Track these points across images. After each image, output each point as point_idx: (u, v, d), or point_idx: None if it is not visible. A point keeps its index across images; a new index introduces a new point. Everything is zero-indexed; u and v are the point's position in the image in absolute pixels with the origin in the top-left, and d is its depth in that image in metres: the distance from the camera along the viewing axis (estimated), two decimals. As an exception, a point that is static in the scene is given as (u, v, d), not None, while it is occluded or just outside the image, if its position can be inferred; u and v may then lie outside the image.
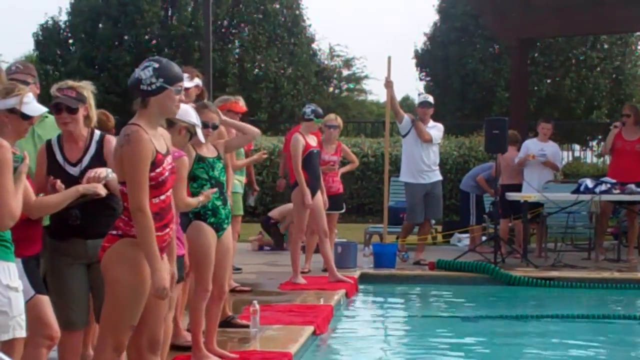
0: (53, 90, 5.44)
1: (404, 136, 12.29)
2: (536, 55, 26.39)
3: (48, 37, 27.85)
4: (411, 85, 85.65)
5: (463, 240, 14.46)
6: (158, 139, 4.83)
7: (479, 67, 27.07)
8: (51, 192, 5.20)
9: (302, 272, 10.70)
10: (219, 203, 6.53)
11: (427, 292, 11.24)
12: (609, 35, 26.38)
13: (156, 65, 4.78)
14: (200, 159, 6.48)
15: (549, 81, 27.75)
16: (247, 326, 7.64)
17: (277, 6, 28.76)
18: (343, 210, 11.78)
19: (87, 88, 5.48)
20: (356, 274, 11.10)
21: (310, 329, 7.84)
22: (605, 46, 27.77)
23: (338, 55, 39.49)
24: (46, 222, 5.38)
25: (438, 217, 12.86)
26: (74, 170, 5.37)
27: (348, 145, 14.85)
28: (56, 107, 5.39)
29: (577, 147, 27.10)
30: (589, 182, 12.16)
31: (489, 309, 9.87)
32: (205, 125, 6.42)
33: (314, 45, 31.27)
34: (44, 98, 5.63)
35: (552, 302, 10.55)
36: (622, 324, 9.28)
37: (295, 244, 10.46)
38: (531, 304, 10.46)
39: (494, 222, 12.64)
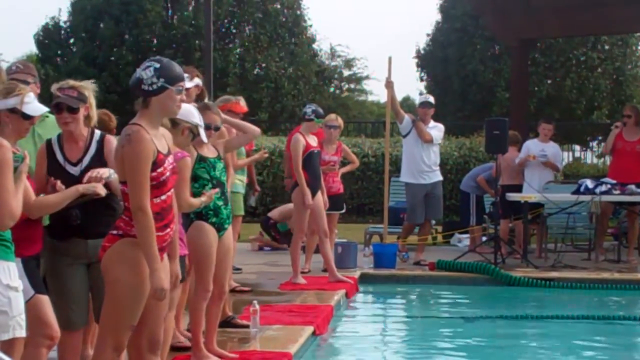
0: (54, 89, 5.44)
1: (404, 136, 12.29)
2: (537, 55, 26.39)
3: (49, 39, 27.86)
4: (412, 85, 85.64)
5: (463, 240, 14.46)
6: (159, 139, 4.84)
7: (479, 68, 27.08)
8: (51, 193, 5.21)
9: (302, 272, 10.70)
10: (220, 203, 6.54)
11: (427, 293, 11.24)
12: (610, 36, 26.39)
13: (157, 65, 4.78)
14: (201, 159, 6.48)
15: (549, 82, 27.76)
16: (247, 326, 7.65)
17: (278, 6, 28.77)
18: (343, 211, 11.78)
19: (88, 88, 5.48)
20: (356, 274, 11.10)
21: (310, 329, 7.84)
22: (606, 47, 27.78)
23: (339, 56, 39.52)
24: (46, 222, 5.38)
25: (438, 217, 12.86)
26: (74, 170, 5.37)
27: (348, 146, 14.85)
28: (57, 107, 5.39)
29: (577, 147, 27.11)
30: (589, 183, 12.16)
31: (489, 309, 9.87)
32: (207, 127, 6.43)
33: (314, 46, 31.28)
34: (44, 98, 5.63)
35: (552, 303, 10.55)
36: (622, 325, 9.28)
37: (295, 244, 10.46)
38: (531, 304, 10.46)
39: (494, 222, 12.64)
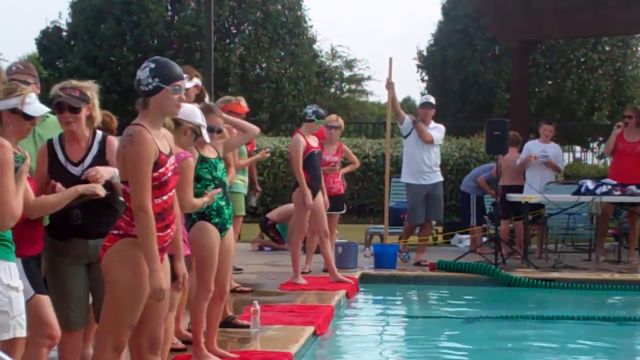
0: (56, 89, 5.44)
1: (405, 137, 12.30)
2: (537, 56, 26.39)
3: (50, 41, 27.88)
4: (412, 86, 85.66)
5: (464, 241, 14.46)
6: (161, 140, 4.84)
7: (480, 69, 27.08)
8: (51, 194, 5.21)
9: (303, 273, 10.70)
10: (223, 203, 6.55)
11: (427, 293, 11.24)
12: (610, 37, 26.37)
13: (153, 65, 4.79)
14: (203, 160, 6.49)
15: (550, 83, 27.77)
16: (247, 326, 7.65)
17: (279, 7, 28.78)
18: (344, 211, 11.78)
19: (91, 88, 5.47)
20: (357, 274, 11.10)
21: (310, 329, 7.84)
22: (607, 48, 27.78)
23: (339, 56, 39.52)
24: (46, 222, 5.38)
25: (439, 218, 12.86)
26: (76, 170, 5.37)
27: (349, 146, 14.85)
28: (58, 106, 5.39)
29: (577, 148, 27.12)
30: (590, 184, 12.16)
31: (489, 310, 9.87)
32: (210, 130, 6.44)
33: (315, 46, 31.28)
34: (44, 98, 5.63)
35: (552, 304, 10.56)
36: (622, 326, 9.28)
37: (296, 245, 10.46)
38: (531, 305, 10.46)
39: (494, 223, 12.64)
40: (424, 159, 12.08)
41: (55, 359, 5.56)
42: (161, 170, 4.74)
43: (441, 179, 12.36)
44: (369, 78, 42.17)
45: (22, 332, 4.67)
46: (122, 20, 26.98)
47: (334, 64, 38.71)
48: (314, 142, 10.36)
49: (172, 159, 4.87)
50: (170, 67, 4.82)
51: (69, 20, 28.29)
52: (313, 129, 10.41)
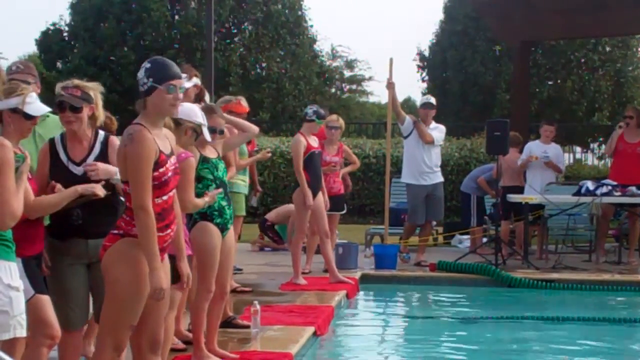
0: (58, 88, 5.43)
1: (405, 137, 12.29)
2: (538, 57, 26.39)
3: (51, 42, 27.88)
4: (413, 87, 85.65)
5: (464, 241, 14.46)
6: (162, 140, 4.84)
7: (480, 70, 27.08)
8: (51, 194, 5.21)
9: (303, 273, 10.70)
10: (224, 203, 6.55)
11: (427, 294, 11.24)
12: (611, 38, 26.36)
13: (148, 65, 4.80)
14: (204, 160, 6.49)
15: (550, 83, 27.76)
16: (247, 327, 7.65)
17: (280, 7, 28.77)
18: (344, 211, 11.78)
19: (95, 88, 5.46)
20: (357, 274, 11.10)
21: (311, 329, 7.84)
22: (607, 49, 27.77)
23: (340, 56, 39.55)
24: (47, 221, 5.38)
25: (439, 218, 12.86)
26: (77, 170, 5.36)
27: (350, 147, 14.84)
28: (60, 106, 5.39)
29: (578, 149, 27.10)
30: (590, 184, 12.17)
31: (489, 310, 9.86)
32: (212, 131, 6.45)
33: (315, 46, 31.28)
34: (44, 98, 5.62)
35: (552, 304, 10.56)
36: (622, 327, 9.28)
37: (296, 245, 10.46)
38: (532, 305, 10.45)
39: (494, 223, 12.64)
40: (425, 160, 12.08)
41: (56, 358, 5.56)
42: (161, 170, 4.74)
43: (442, 179, 12.36)
44: (370, 79, 42.27)
45: (22, 332, 4.67)
46: (122, 19, 26.97)
47: (335, 64, 38.76)
48: (314, 142, 10.36)
49: (172, 159, 4.87)
50: (165, 66, 4.80)
51: (69, 20, 28.28)
52: (314, 129, 10.40)
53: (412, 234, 12.56)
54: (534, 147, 13.05)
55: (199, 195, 6.25)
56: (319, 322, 8.12)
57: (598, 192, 11.97)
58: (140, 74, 4.77)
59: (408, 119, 12.17)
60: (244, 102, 9.21)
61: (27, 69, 6.03)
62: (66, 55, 27.80)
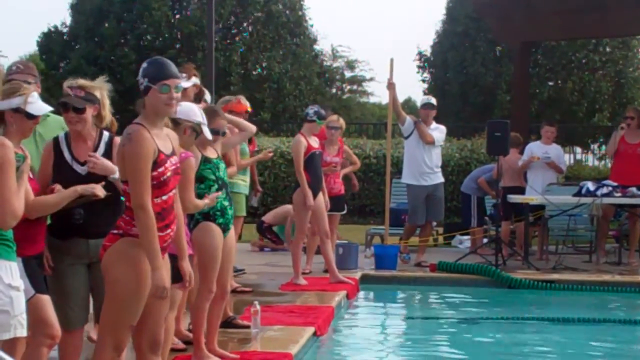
0: (64, 87, 5.43)
1: (406, 138, 12.29)
2: (538, 57, 26.39)
3: (52, 43, 27.88)
4: (413, 87, 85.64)
5: (464, 242, 14.47)
6: (163, 139, 4.84)
7: (481, 70, 27.08)
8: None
9: (303, 273, 10.70)
10: (226, 203, 6.55)
11: (428, 294, 11.24)
12: (611, 39, 26.36)
13: (145, 65, 4.82)
14: (206, 160, 6.49)
15: (550, 84, 27.75)
16: (248, 327, 7.65)
17: (280, 7, 28.77)
18: (344, 212, 11.77)
19: (101, 88, 5.44)
20: (357, 275, 11.10)
21: (311, 330, 7.84)
22: (607, 49, 27.77)
23: (341, 57, 39.54)
24: (49, 221, 5.37)
25: (439, 219, 12.86)
26: (81, 169, 5.36)
27: (350, 147, 14.84)
28: (63, 106, 5.39)
29: (578, 150, 27.10)
30: (591, 185, 12.17)
31: (489, 311, 9.87)
32: (215, 132, 6.45)
33: (316, 46, 31.28)
34: (46, 98, 5.62)
35: (553, 305, 10.56)
36: (623, 328, 9.28)
37: (296, 245, 10.46)
38: (532, 306, 10.46)
39: (495, 224, 12.64)
40: (425, 160, 12.08)
41: (56, 358, 5.56)
42: (160, 169, 4.74)
43: (442, 180, 12.36)
44: (371, 79, 42.25)
45: (22, 332, 4.67)
46: (123, 19, 26.96)
47: (335, 65, 38.76)
48: (315, 142, 10.36)
49: (173, 159, 4.87)
50: (160, 66, 4.81)
51: (70, 20, 28.28)
52: (314, 129, 10.40)
53: (413, 235, 12.56)
54: (535, 148, 13.05)
55: (200, 195, 6.26)
56: (319, 323, 8.12)
57: (598, 192, 11.97)
58: (139, 73, 4.79)
59: (409, 119, 12.17)
60: (243, 101, 9.22)
61: (28, 69, 6.02)
62: (67, 55, 27.80)
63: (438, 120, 12.61)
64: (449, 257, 12.07)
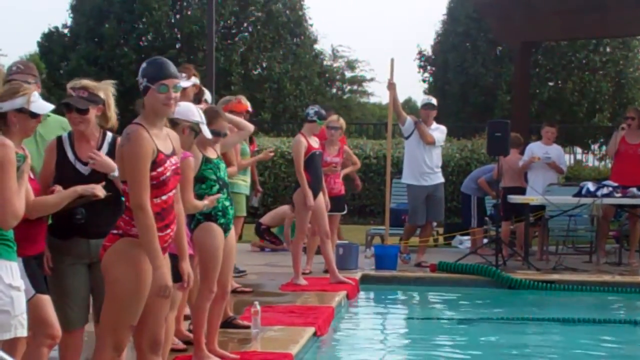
0: (68, 87, 5.43)
1: (406, 138, 12.29)
2: (539, 58, 26.39)
3: (52, 44, 27.89)
4: (414, 87, 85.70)
5: (464, 242, 14.47)
6: (163, 139, 4.84)
7: (481, 71, 27.08)
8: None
9: (303, 273, 10.70)
10: (227, 204, 6.56)
11: (428, 294, 11.24)
12: (611, 39, 26.36)
13: (144, 65, 4.83)
14: (207, 160, 6.49)
15: (551, 84, 27.74)
16: (248, 327, 7.65)
17: (280, 6, 28.76)
18: (345, 212, 11.77)
19: (105, 89, 5.43)
20: (357, 275, 11.10)
21: (311, 330, 7.84)
22: (608, 50, 27.77)
23: (341, 57, 39.54)
24: (49, 221, 5.37)
25: (440, 219, 12.86)
26: (84, 169, 5.36)
27: (350, 147, 14.83)
28: (66, 106, 5.39)
29: (579, 150, 27.10)
30: (591, 186, 12.16)
31: (489, 311, 9.87)
32: (217, 134, 6.45)
33: (316, 46, 31.28)
34: (46, 98, 5.63)
35: (553, 305, 10.56)
36: (623, 328, 9.28)
37: (296, 245, 10.46)
38: (532, 306, 10.45)
39: (495, 224, 12.64)
40: (425, 160, 12.07)
41: (56, 358, 5.56)
42: (159, 169, 4.74)
43: (442, 180, 12.36)
44: (371, 80, 42.25)
45: (23, 332, 4.68)
46: (123, 19, 26.96)
47: (336, 65, 38.75)
48: (315, 143, 10.36)
49: (173, 159, 4.87)
50: (158, 66, 4.81)
51: (70, 21, 28.28)
52: (315, 129, 10.40)
53: (413, 235, 12.56)
54: (536, 148, 13.06)
55: (201, 196, 6.27)
56: (319, 323, 8.12)
57: (599, 193, 11.97)
58: (138, 74, 4.79)
59: (409, 119, 12.17)
60: (244, 101, 9.22)
61: (28, 69, 6.02)
62: (67, 55, 27.79)
63: (438, 120, 12.61)
64: (449, 258, 12.07)
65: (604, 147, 25.47)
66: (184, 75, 6.91)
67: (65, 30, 28.29)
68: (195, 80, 7.44)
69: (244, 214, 9.96)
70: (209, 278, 6.47)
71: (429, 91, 27.73)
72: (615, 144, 12.73)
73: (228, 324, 7.64)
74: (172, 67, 4.85)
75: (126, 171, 4.72)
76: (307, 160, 10.16)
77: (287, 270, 10.93)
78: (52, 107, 5.09)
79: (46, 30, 28.36)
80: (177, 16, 27.84)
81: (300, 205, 10.21)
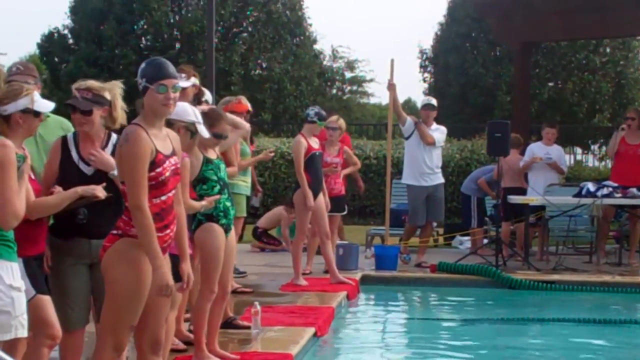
0: (73, 88, 5.43)
1: (406, 138, 12.29)
2: (538, 58, 26.38)
3: (53, 45, 27.88)
4: (414, 88, 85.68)
5: (464, 243, 14.46)
6: (162, 140, 4.84)
7: (481, 72, 27.08)
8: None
9: (304, 274, 10.70)
10: (229, 204, 6.56)
11: (428, 295, 11.24)
12: (611, 40, 26.36)
13: (143, 65, 4.84)
14: (207, 161, 6.49)
15: (551, 85, 27.74)
16: (248, 327, 7.66)
17: (280, 6, 28.76)
18: (345, 212, 11.77)
19: (112, 89, 5.43)
20: (357, 275, 11.10)
21: (311, 330, 7.84)
22: (608, 50, 27.77)
23: (341, 57, 39.52)
24: (50, 221, 5.37)
25: (440, 219, 12.86)
26: (87, 170, 5.36)
27: (350, 147, 14.81)
28: (71, 107, 5.40)
29: (579, 150, 27.09)
30: (591, 186, 12.17)
31: (490, 312, 9.87)
32: (218, 136, 6.45)
33: (316, 47, 31.27)
34: (46, 98, 5.63)
35: (553, 306, 10.56)
36: (623, 328, 9.28)
37: (297, 246, 10.46)
38: (532, 307, 10.45)
39: (495, 225, 12.64)
40: (425, 161, 12.08)
41: (57, 359, 5.56)
42: (158, 170, 4.74)
43: (442, 180, 12.36)
44: (371, 80, 42.23)
45: (23, 332, 4.68)
46: (123, 19, 26.96)
47: (335, 65, 38.74)
48: (315, 143, 10.37)
49: (173, 160, 4.87)
50: (157, 66, 4.81)
51: (70, 22, 28.26)
52: (315, 130, 10.41)
53: (413, 235, 12.56)
54: (537, 149, 13.06)
55: (202, 197, 6.27)
56: (320, 323, 8.13)
57: (599, 193, 11.97)
58: (138, 74, 4.80)
59: (409, 120, 12.17)
60: (244, 101, 9.23)
61: (28, 70, 6.02)
62: (67, 56, 27.79)
63: (438, 121, 12.62)
64: (449, 258, 12.07)
65: (604, 148, 25.45)
66: (183, 75, 6.91)
67: (66, 32, 28.28)
68: (194, 80, 7.44)
69: (244, 214, 9.96)
70: (210, 278, 6.47)
71: (429, 92, 27.74)
72: (615, 145, 12.73)
73: (228, 324, 7.64)
74: (171, 68, 4.86)
75: (124, 171, 4.72)
76: (307, 161, 10.16)
77: (287, 270, 10.93)
78: (53, 105, 5.10)
79: (46, 32, 28.36)
80: (177, 17, 27.84)
81: (301, 205, 10.21)
